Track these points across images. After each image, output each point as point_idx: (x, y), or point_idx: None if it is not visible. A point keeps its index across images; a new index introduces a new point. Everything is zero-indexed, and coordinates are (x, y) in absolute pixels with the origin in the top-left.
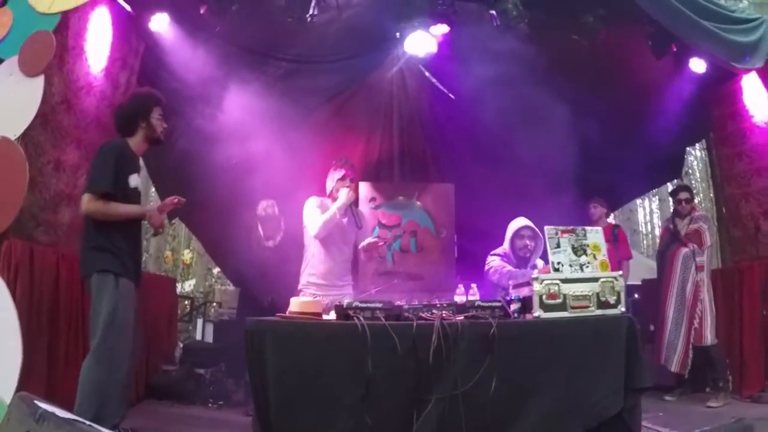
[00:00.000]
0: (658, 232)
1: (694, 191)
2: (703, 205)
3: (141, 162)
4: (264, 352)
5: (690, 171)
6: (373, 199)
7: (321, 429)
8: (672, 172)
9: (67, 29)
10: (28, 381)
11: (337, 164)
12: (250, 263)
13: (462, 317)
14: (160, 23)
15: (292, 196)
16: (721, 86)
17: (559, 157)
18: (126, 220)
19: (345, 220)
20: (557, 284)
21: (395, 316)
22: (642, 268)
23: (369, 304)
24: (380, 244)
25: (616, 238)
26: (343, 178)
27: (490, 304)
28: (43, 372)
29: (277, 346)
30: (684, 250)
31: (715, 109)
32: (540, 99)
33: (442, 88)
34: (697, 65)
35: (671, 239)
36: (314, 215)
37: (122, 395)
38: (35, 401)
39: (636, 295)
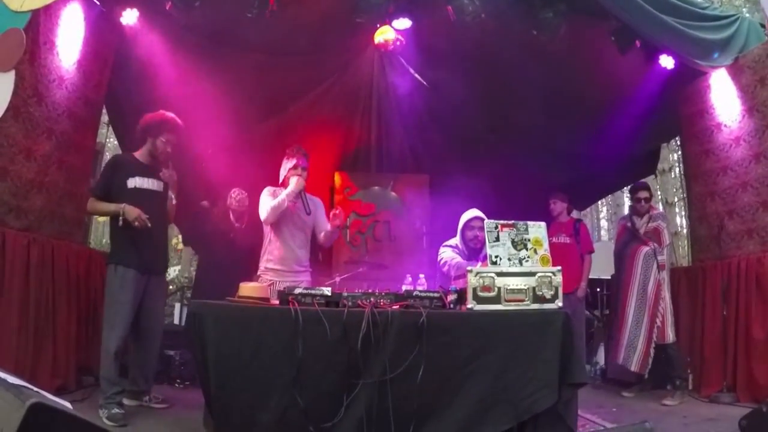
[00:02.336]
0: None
1: (677, 189)
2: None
3: None
4: (205, 333)
5: (671, 168)
6: (348, 188)
7: (256, 408)
8: (646, 168)
9: (38, 26)
10: None
11: (289, 153)
12: (220, 246)
13: (397, 306)
14: (130, 18)
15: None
16: (690, 83)
17: (531, 152)
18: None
19: (297, 206)
20: (492, 277)
21: (334, 303)
22: None
23: (310, 291)
24: (336, 212)
25: (577, 232)
26: (294, 167)
27: (427, 294)
28: (12, 350)
29: (217, 328)
30: (644, 249)
31: (684, 106)
32: (509, 95)
33: (420, 78)
34: (667, 62)
35: (629, 237)
36: (265, 202)
37: (144, 371)
38: None
39: (598, 290)
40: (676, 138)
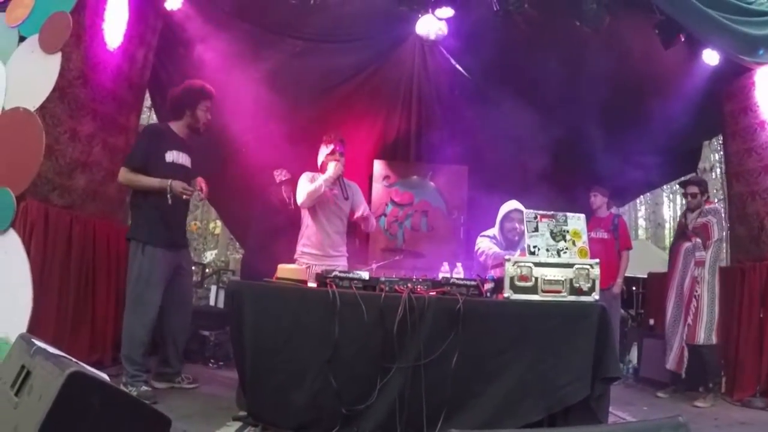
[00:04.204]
0: None
1: (717, 189)
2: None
3: None
4: (242, 312)
5: (713, 167)
6: (387, 177)
7: (289, 388)
8: (688, 166)
9: (84, 9)
10: (37, 329)
11: (327, 139)
12: (271, 227)
13: (434, 292)
14: (174, 2)
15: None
16: (734, 80)
17: (569, 145)
18: (158, 193)
19: (335, 192)
20: (530, 267)
21: (371, 287)
22: (659, 262)
23: (348, 274)
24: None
25: (616, 227)
26: (332, 153)
27: (464, 282)
28: (51, 322)
29: (254, 307)
30: (686, 245)
31: (727, 103)
32: (549, 85)
33: (461, 69)
34: (710, 57)
35: (680, 233)
36: (303, 187)
37: (177, 350)
38: (33, 339)
39: (639, 288)
40: (719, 137)
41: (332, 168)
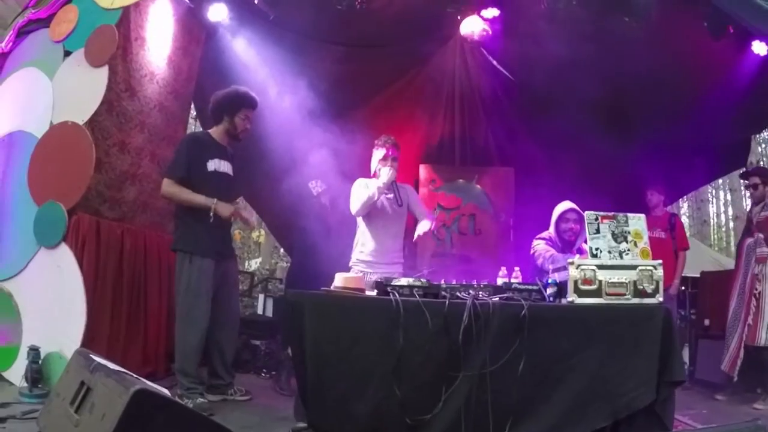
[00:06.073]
0: (731, 224)
1: None
2: None
3: None
4: (303, 322)
5: (765, 160)
6: (433, 181)
7: (352, 398)
8: (737, 160)
9: (129, 22)
10: (90, 342)
11: (379, 143)
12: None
13: (497, 298)
14: (218, 13)
15: (351, 181)
16: None
17: (618, 144)
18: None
19: (391, 196)
20: (593, 270)
21: (432, 294)
22: (709, 261)
23: (407, 282)
24: (431, 230)
25: (672, 227)
26: (384, 158)
27: (526, 287)
28: (105, 335)
29: (315, 317)
30: (749, 240)
31: None
32: (596, 83)
33: (503, 70)
34: (760, 48)
35: (746, 229)
36: (357, 194)
37: (226, 362)
38: (91, 355)
39: (688, 288)
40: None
41: (386, 174)
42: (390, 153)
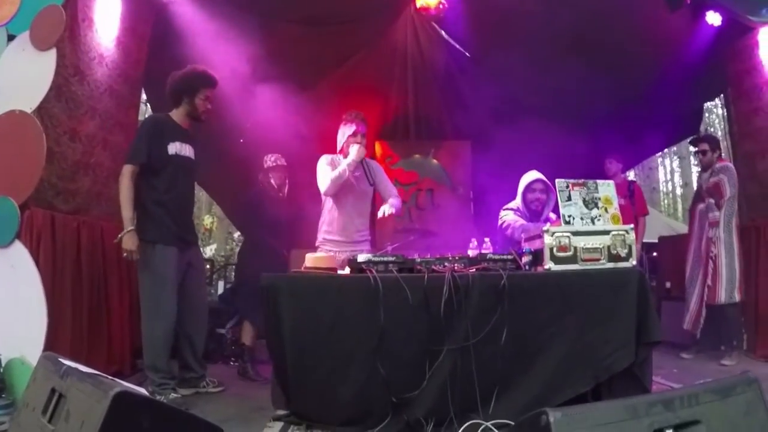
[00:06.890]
0: (679, 191)
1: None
2: None
3: None
4: (279, 306)
5: (711, 129)
6: (389, 158)
7: (334, 381)
8: (690, 127)
9: (76, 2)
10: (53, 343)
11: (347, 119)
12: (265, 218)
13: (473, 270)
14: None
15: (307, 159)
16: (737, 40)
17: (574, 113)
18: (165, 190)
19: (359, 174)
20: (568, 237)
21: (408, 269)
22: (660, 226)
23: (382, 258)
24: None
25: (632, 193)
26: (354, 134)
27: (501, 257)
28: (67, 336)
29: (292, 301)
30: (700, 206)
31: (731, 63)
32: (552, 53)
33: (456, 45)
34: (713, 18)
35: (696, 195)
36: (324, 173)
37: (196, 353)
38: (59, 359)
39: (654, 253)
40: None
41: (355, 151)
42: (359, 129)
